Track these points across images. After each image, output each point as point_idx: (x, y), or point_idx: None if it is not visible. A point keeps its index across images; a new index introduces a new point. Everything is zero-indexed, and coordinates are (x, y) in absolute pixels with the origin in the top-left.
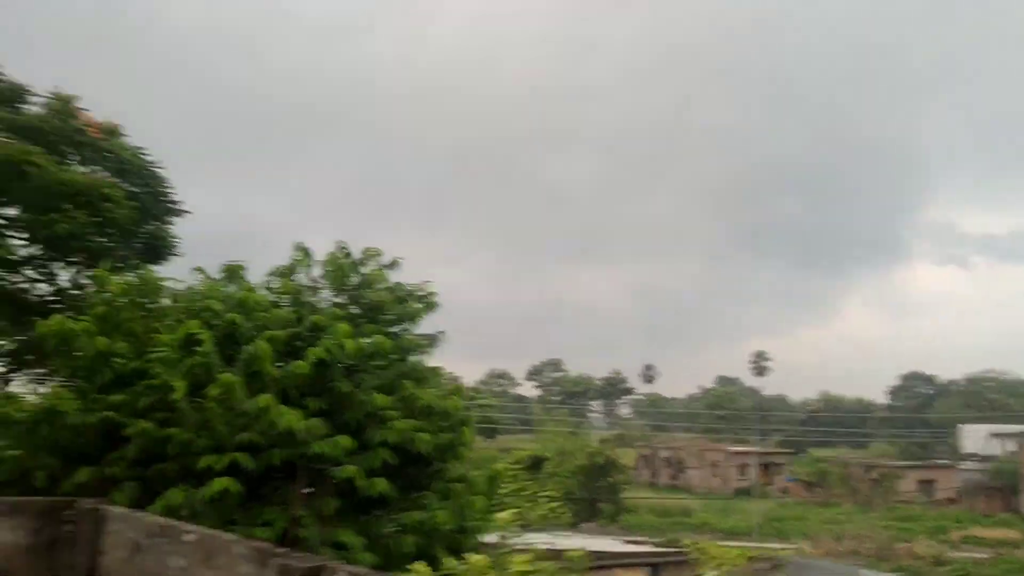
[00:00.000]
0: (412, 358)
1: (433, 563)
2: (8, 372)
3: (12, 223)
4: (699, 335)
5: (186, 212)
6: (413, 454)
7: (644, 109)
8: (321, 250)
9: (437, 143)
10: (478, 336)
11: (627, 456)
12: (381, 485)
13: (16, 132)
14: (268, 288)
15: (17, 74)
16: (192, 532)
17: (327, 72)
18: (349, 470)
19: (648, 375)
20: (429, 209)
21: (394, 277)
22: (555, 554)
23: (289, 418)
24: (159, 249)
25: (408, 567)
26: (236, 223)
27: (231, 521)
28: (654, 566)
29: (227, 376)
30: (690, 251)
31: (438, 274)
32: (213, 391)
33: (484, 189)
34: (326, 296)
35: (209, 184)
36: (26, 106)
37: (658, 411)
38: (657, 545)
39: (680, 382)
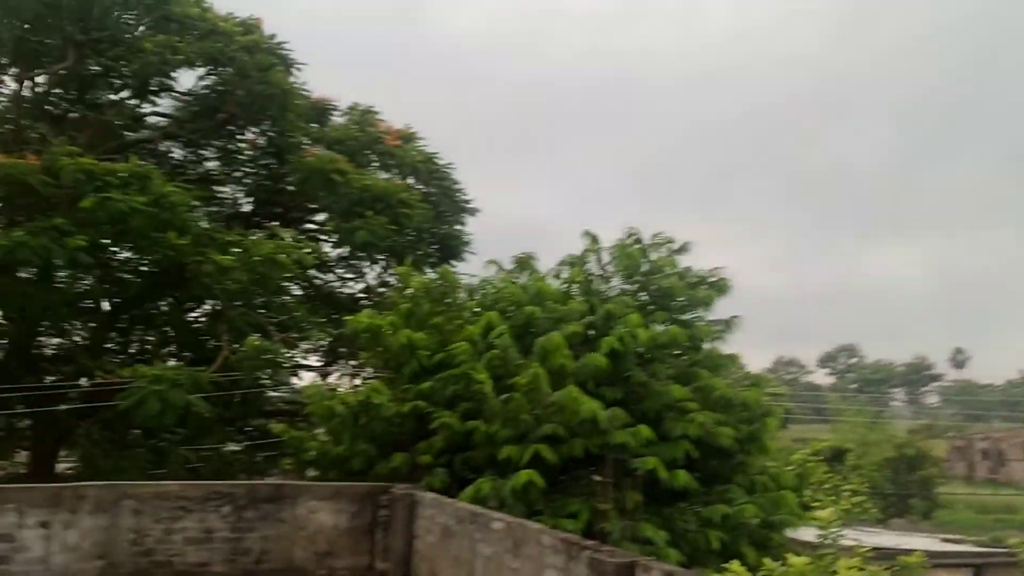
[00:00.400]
0: (706, 346)
1: (739, 560)
2: (325, 365)
3: (322, 228)
4: (1018, 314)
5: (476, 211)
6: (714, 446)
7: (938, 73)
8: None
9: (714, 125)
10: (763, 322)
11: (937, 448)
12: (683, 478)
13: (323, 144)
14: (557, 277)
15: (323, 91)
16: (500, 520)
17: (599, 63)
18: (651, 461)
19: (958, 360)
20: (707, 192)
21: (682, 263)
22: (882, 554)
23: (591, 407)
24: (453, 247)
25: (721, 566)
26: (515, 218)
27: (536, 511)
28: (977, 567)
29: (535, 367)
30: (1004, 223)
31: (718, 258)
32: (520, 382)
33: (765, 168)
34: (615, 284)
35: (490, 181)
36: (331, 120)
37: (971, 399)
38: (979, 545)
39: (996, 367)
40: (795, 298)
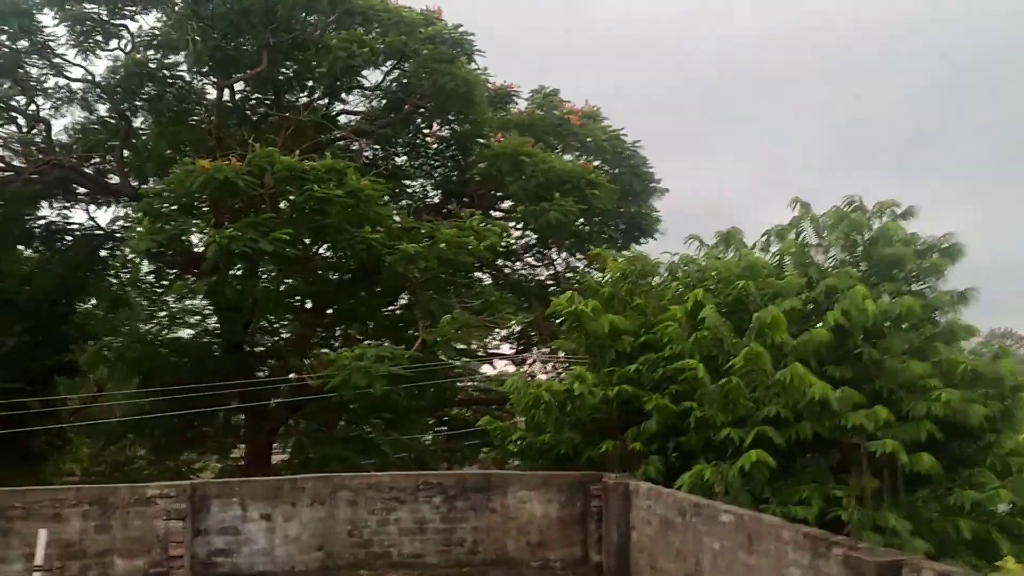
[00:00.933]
0: (942, 318)
1: (992, 550)
2: (518, 352)
3: (509, 214)
4: None
5: (665, 191)
6: (959, 426)
7: None
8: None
9: (912, 83)
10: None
11: None
12: (927, 461)
13: (508, 129)
14: (764, 250)
15: (504, 78)
16: (729, 513)
17: (776, 33)
18: (889, 444)
19: None
20: (907, 155)
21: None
22: None
23: (820, 388)
24: (642, 227)
25: (997, 564)
26: (701, 196)
27: (762, 499)
28: None
29: (755, 347)
30: None
31: (921, 225)
32: (737, 363)
33: (969, 129)
34: (832, 255)
35: (675, 160)
36: (514, 105)
37: None
38: None
39: None
40: (1005, 266)
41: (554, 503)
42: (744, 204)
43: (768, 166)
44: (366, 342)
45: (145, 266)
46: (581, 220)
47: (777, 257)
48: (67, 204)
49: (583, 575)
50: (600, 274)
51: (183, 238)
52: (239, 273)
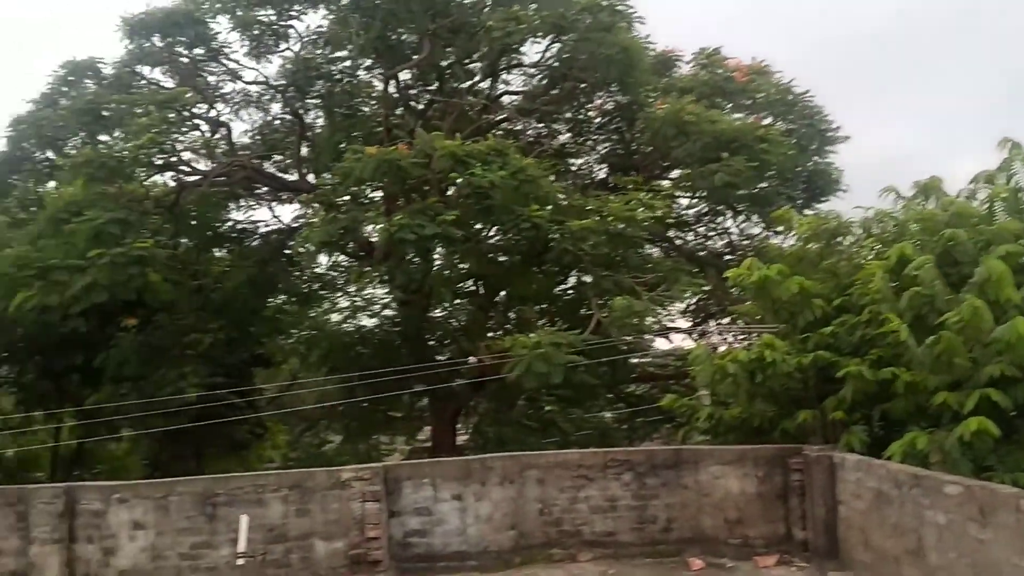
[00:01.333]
0: None
1: None
2: (694, 325)
3: (677, 183)
4: None
5: (845, 139)
6: None
7: None
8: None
9: None
10: None
11: None
12: None
13: (670, 93)
14: (970, 198)
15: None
16: (955, 483)
17: None
18: None
19: None
20: None
21: None
22: None
23: None
24: (821, 186)
25: None
26: (884, 154)
27: (985, 467)
28: None
29: (972, 301)
30: None
31: None
32: (952, 319)
33: None
34: None
35: (858, 117)
36: (677, 70)
37: None
38: None
39: None
40: None
41: (751, 478)
42: (928, 157)
43: (948, 117)
44: (540, 322)
45: (323, 258)
46: (755, 176)
47: (987, 204)
48: (252, 204)
49: (787, 553)
50: (781, 237)
51: (357, 228)
52: (413, 259)
